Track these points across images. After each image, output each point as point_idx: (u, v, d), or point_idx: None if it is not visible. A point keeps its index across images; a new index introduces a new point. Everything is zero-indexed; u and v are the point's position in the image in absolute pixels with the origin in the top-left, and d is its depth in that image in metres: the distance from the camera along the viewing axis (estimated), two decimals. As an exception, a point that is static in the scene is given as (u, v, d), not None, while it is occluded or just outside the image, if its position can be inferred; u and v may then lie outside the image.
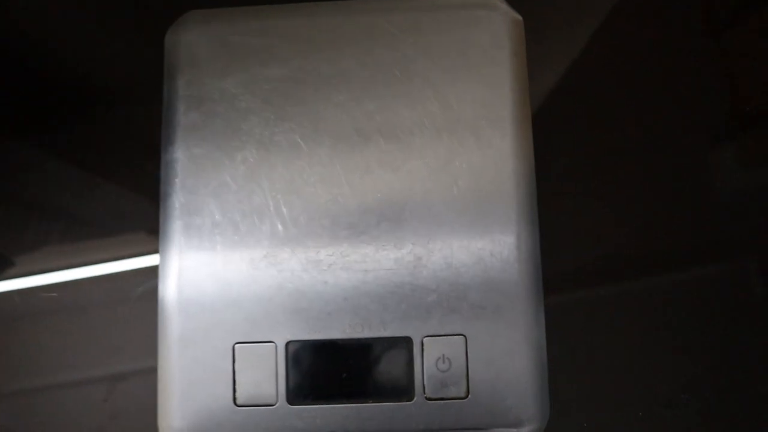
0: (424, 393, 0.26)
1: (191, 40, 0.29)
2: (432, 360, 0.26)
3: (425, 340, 0.26)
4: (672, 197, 0.32)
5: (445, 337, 0.26)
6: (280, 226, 0.27)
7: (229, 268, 0.27)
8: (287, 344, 0.26)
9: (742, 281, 0.31)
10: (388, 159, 0.27)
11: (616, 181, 0.32)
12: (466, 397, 0.26)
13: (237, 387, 0.26)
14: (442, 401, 0.26)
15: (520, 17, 0.30)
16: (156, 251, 0.32)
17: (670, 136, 0.33)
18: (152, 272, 0.32)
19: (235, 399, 0.26)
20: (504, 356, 0.26)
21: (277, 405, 0.26)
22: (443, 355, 0.26)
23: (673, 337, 0.31)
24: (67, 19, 0.34)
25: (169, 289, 0.27)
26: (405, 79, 0.28)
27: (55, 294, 0.31)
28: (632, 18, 0.34)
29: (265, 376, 0.26)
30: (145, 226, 0.32)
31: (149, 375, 0.29)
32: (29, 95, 0.34)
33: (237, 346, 0.26)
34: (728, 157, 0.32)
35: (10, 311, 0.32)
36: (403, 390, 0.26)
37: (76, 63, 0.34)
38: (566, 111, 0.33)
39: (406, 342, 0.26)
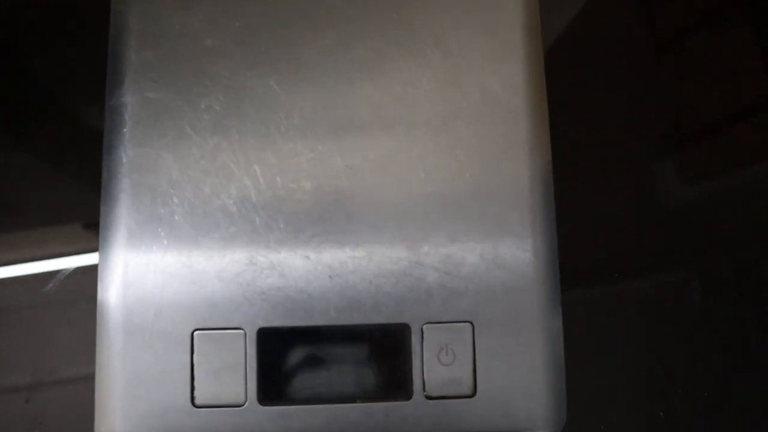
0: (424, 391, 0.22)
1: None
2: (433, 351, 0.22)
3: (425, 327, 0.22)
4: (616, 210, 0.31)
5: (448, 324, 0.22)
6: (251, 188, 0.22)
7: (187, 238, 0.22)
8: (258, 331, 0.21)
9: (683, 292, 0.30)
10: (381, 114, 0.23)
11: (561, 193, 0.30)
12: (473, 395, 0.22)
13: (196, 383, 0.21)
14: (444, 400, 0.22)
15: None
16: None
17: (615, 151, 0.31)
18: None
19: (193, 398, 0.21)
20: (517, 348, 0.22)
21: (245, 405, 0.21)
22: (446, 346, 0.22)
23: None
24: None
25: (112, 263, 0.22)
26: (400, 19, 0.24)
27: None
28: (580, 36, 0.32)
29: (230, 370, 0.21)
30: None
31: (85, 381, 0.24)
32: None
33: (196, 333, 0.21)
34: (671, 172, 0.32)
35: None
36: (399, 387, 0.22)
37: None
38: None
39: (402, 330, 0.22)
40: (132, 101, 0.23)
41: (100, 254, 0.22)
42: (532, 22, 0.25)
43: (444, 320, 0.22)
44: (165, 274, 0.22)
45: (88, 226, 0.29)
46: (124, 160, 0.22)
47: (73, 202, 0.29)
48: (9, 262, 0.28)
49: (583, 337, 0.28)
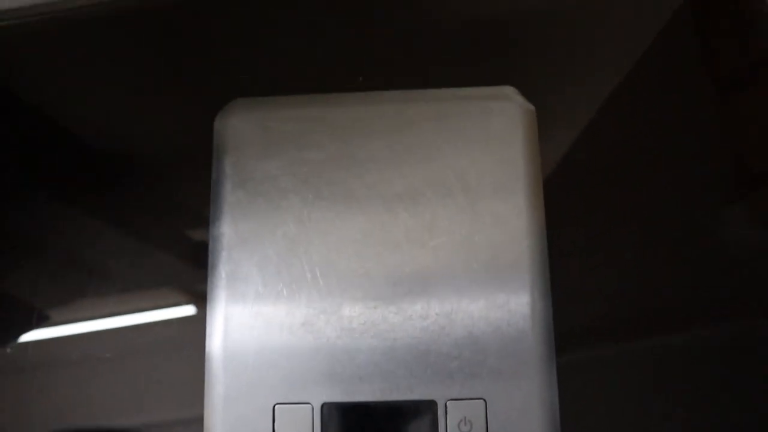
0: (449, 452, 0.28)
1: (237, 126, 0.32)
2: (455, 422, 0.29)
3: (448, 403, 0.29)
4: (684, 257, 0.34)
5: (466, 400, 0.29)
6: (316, 296, 0.30)
7: (270, 333, 0.30)
8: (323, 406, 0.29)
9: (757, 341, 0.33)
10: (413, 235, 0.30)
11: (628, 244, 0.35)
12: (487, 456, 0.28)
13: (277, 446, 0.29)
14: (464, 461, 0.28)
15: (532, 107, 0.33)
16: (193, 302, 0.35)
17: (681, 198, 0.35)
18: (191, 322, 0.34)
19: (275, 457, 0.29)
20: (520, 418, 0.29)
21: (314, 463, 0.28)
22: (465, 418, 0.29)
23: (684, 398, 0.33)
24: (128, 104, 0.38)
25: (216, 348, 0.30)
26: (428, 163, 0.31)
27: (106, 347, 0.34)
28: (641, 82, 0.37)
29: (302, 436, 0.29)
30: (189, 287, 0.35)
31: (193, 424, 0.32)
32: (88, 168, 0.37)
33: (277, 406, 0.29)
34: (739, 217, 0.35)
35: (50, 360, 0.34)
36: (429, 450, 0.28)
37: (135, 142, 0.37)
38: (578, 177, 0.36)
39: (431, 405, 0.29)
40: (229, 231, 0.31)
41: (207, 343, 0.30)
42: (533, 155, 0.32)
43: (463, 397, 0.29)
44: (255, 359, 0.29)
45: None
46: (223, 275, 0.30)
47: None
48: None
49: (661, 383, 0.32)
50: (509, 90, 0.33)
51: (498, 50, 0.38)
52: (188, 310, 0.35)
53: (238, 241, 0.31)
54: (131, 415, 0.34)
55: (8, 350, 0.35)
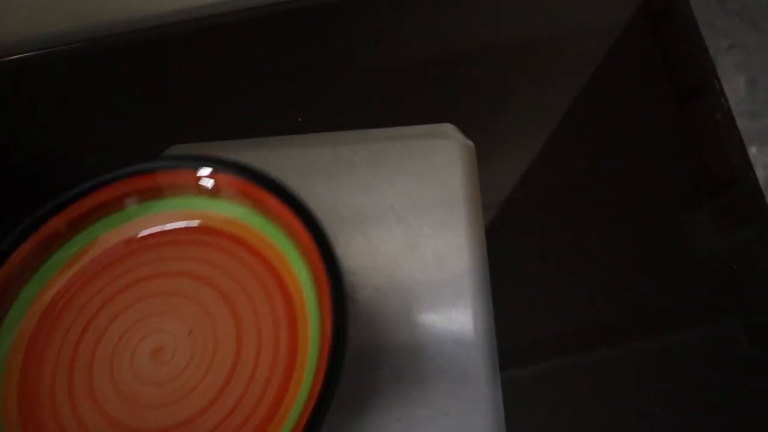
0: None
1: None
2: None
3: None
4: (652, 263, 0.34)
5: None
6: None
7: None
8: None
9: (726, 343, 0.33)
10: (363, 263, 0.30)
11: (595, 251, 0.35)
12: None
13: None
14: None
15: (471, 143, 0.33)
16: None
17: (645, 205, 0.35)
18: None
19: None
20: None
21: None
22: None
23: (654, 401, 0.33)
24: (66, 152, 0.37)
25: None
26: (370, 202, 0.31)
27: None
28: (602, 93, 0.38)
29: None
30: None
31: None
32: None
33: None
34: (702, 221, 0.35)
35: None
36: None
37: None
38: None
39: None
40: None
41: None
42: (473, 190, 0.32)
43: None
44: None
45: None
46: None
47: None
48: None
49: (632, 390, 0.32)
50: (448, 127, 0.34)
51: (437, 88, 0.38)
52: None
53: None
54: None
55: None
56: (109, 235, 0.28)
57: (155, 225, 0.28)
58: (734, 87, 0.40)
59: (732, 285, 0.34)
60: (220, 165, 0.27)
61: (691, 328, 0.34)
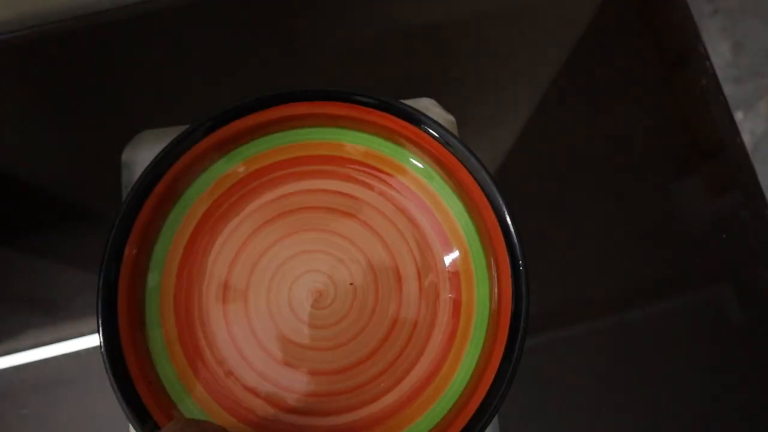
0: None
1: (147, 157, 0.31)
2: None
3: None
4: (640, 232, 0.34)
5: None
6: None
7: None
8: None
9: (720, 308, 0.33)
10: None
11: (586, 219, 0.34)
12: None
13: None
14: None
15: (452, 117, 0.32)
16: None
17: (633, 176, 0.35)
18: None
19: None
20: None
21: None
22: None
23: (647, 370, 0.32)
24: (33, 139, 0.36)
25: None
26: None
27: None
28: (584, 65, 0.37)
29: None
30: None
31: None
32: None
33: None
34: (690, 190, 0.35)
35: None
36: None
37: (41, 177, 0.36)
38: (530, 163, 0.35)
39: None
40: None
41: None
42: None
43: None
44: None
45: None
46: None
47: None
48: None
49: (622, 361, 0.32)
50: (428, 102, 0.33)
51: (415, 62, 0.37)
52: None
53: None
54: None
55: None
56: (281, 150, 0.27)
57: (329, 151, 0.27)
58: (719, 52, 0.39)
59: (720, 252, 0.34)
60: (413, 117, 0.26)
61: (681, 295, 0.34)
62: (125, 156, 0.31)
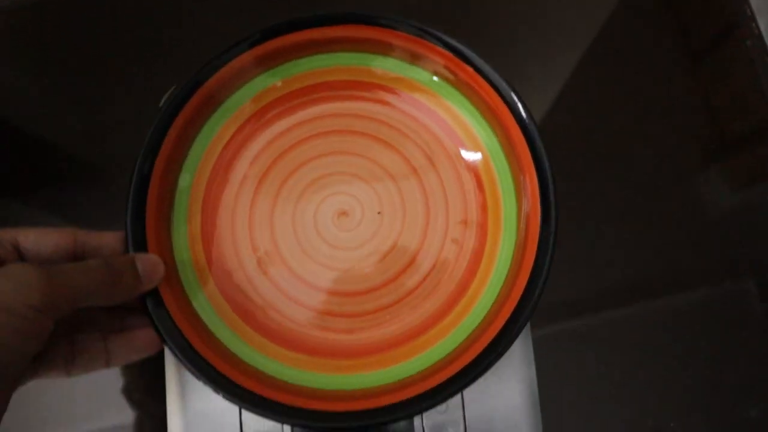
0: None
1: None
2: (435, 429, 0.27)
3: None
4: (665, 221, 0.34)
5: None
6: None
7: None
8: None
9: (741, 301, 0.33)
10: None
11: (609, 209, 0.34)
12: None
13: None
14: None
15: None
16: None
17: (659, 163, 0.34)
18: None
19: None
20: (503, 423, 0.27)
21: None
22: (443, 423, 0.27)
23: (668, 361, 0.33)
24: (65, 96, 0.35)
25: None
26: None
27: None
28: (611, 59, 0.36)
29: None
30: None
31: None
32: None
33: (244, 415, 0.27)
34: (716, 180, 0.35)
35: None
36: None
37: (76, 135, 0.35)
38: (555, 146, 0.35)
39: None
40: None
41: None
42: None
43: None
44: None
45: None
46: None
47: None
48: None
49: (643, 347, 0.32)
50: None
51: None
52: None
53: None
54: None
55: None
56: (321, 72, 0.27)
57: (357, 76, 0.27)
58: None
59: (745, 242, 0.34)
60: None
61: (705, 285, 0.33)
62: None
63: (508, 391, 0.28)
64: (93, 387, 0.32)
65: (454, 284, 0.26)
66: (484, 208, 0.27)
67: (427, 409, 0.23)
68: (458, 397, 0.27)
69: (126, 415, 0.32)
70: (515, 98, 0.25)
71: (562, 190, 0.33)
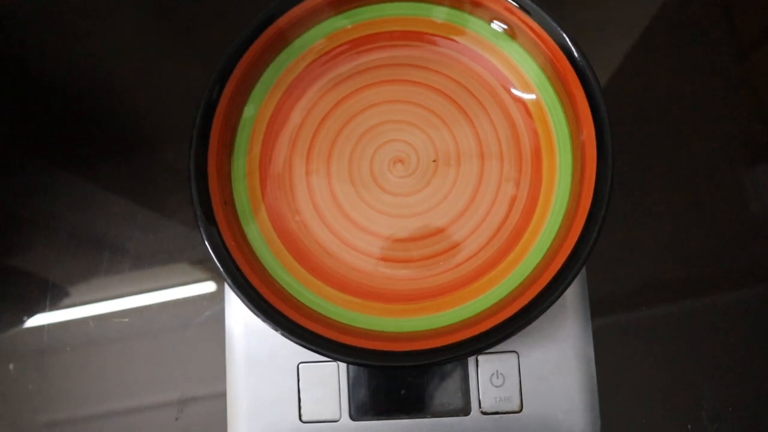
0: (480, 408, 0.27)
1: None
2: (487, 376, 0.27)
3: (480, 357, 0.28)
4: (710, 219, 0.33)
5: (498, 354, 0.28)
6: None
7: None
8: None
9: None
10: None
11: (655, 206, 0.34)
12: (520, 411, 0.27)
13: (302, 404, 0.28)
14: (497, 415, 0.27)
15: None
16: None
17: (706, 160, 0.34)
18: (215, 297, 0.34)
19: (300, 416, 0.27)
20: (555, 371, 0.27)
21: (340, 420, 0.27)
22: (497, 371, 0.27)
23: (717, 355, 0.32)
24: (132, 60, 0.37)
25: (235, 314, 0.29)
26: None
27: (127, 319, 0.33)
28: (661, 44, 0.36)
29: (328, 394, 0.27)
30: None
31: (219, 398, 0.31)
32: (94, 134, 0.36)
33: (301, 365, 0.28)
34: (763, 178, 0.34)
35: (84, 337, 0.34)
36: (459, 405, 0.27)
37: (139, 99, 0.37)
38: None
39: (461, 360, 0.28)
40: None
41: (226, 311, 0.29)
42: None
43: (495, 351, 0.28)
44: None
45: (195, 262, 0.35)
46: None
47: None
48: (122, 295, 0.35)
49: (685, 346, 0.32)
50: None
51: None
52: (205, 280, 0.35)
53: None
54: (156, 393, 0.33)
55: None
56: (393, 20, 0.28)
57: (412, 26, 0.28)
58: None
59: None
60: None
61: (748, 285, 0.32)
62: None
63: (566, 368, 0.28)
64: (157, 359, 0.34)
65: (508, 232, 0.26)
66: (538, 151, 0.27)
67: (481, 350, 0.23)
68: (515, 374, 0.27)
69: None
70: (568, 40, 0.25)
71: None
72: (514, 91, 0.27)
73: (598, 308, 0.30)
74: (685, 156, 0.34)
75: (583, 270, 0.29)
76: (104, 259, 0.35)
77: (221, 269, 0.24)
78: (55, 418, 0.33)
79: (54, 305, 0.35)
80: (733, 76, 0.35)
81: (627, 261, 0.33)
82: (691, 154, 0.34)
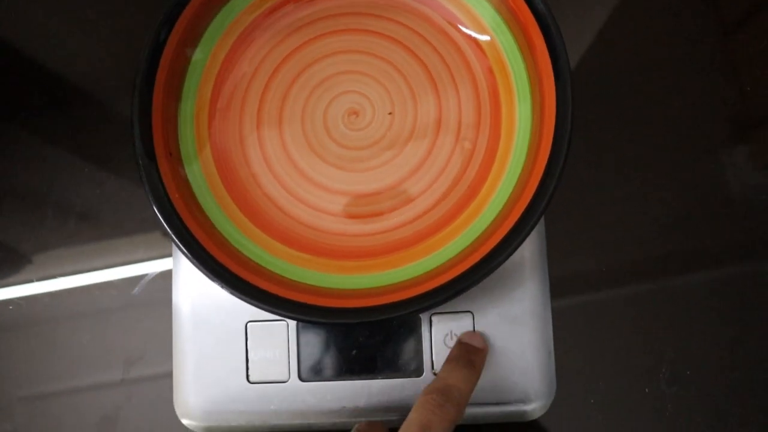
0: (433, 369, 0.27)
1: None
2: (440, 336, 0.27)
3: (433, 317, 0.27)
4: (688, 199, 0.33)
5: (452, 314, 0.27)
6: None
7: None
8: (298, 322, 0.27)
9: (760, 282, 0.32)
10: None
11: (631, 184, 0.33)
12: (474, 372, 0.27)
13: (250, 365, 0.27)
14: (450, 377, 0.26)
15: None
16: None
17: (682, 140, 0.33)
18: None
19: (248, 376, 0.27)
20: (510, 332, 0.27)
21: (289, 381, 0.26)
22: (451, 332, 0.27)
23: (677, 322, 0.31)
24: (94, 29, 0.35)
25: (183, 272, 0.28)
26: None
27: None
28: (640, 21, 0.35)
29: (277, 354, 0.27)
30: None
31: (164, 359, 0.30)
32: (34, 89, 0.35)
33: (249, 324, 0.27)
34: (741, 159, 0.33)
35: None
36: (412, 366, 0.27)
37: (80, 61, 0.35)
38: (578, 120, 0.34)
39: (414, 319, 0.27)
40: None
41: (173, 269, 0.28)
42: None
43: (448, 311, 0.27)
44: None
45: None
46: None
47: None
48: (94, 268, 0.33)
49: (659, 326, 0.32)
50: None
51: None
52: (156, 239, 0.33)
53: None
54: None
55: None
56: None
57: None
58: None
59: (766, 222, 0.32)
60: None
61: (727, 266, 0.32)
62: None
63: (522, 331, 0.27)
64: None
65: (465, 186, 0.25)
66: (496, 95, 0.26)
67: (432, 307, 0.22)
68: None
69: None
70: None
71: (582, 151, 0.32)
72: (464, 29, 0.26)
73: (559, 288, 0.30)
74: (663, 135, 0.34)
75: (543, 230, 0.29)
76: (50, 225, 0.33)
77: (162, 221, 0.23)
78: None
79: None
80: (714, 54, 0.35)
81: (587, 241, 0.33)
82: (669, 133, 0.34)
